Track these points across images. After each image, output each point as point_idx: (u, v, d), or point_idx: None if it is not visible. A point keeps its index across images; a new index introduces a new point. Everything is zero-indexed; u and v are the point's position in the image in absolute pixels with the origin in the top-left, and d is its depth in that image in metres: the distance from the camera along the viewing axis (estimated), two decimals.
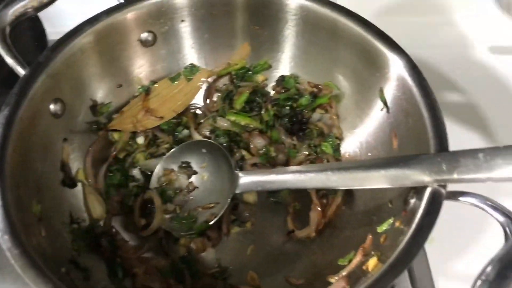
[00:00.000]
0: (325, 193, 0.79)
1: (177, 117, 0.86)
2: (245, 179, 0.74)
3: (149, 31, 0.82)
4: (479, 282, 0.49)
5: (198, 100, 0.90)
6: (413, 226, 0.56)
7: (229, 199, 0.75)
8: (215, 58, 0.88)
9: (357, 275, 0.62)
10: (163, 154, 0.82)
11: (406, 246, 0.55)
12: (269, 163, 0.82)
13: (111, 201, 0.78)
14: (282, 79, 0.88)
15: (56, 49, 0.71)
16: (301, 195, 0.79)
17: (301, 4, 0.78)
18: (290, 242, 0.77)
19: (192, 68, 0.88)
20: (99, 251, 0.73)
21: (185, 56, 0.88)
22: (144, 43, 0.83)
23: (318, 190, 0.78)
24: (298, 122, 0.85)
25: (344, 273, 0.64)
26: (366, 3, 0.91)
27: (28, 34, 0.97)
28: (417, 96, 0.66)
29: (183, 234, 0.76)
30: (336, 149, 0.83)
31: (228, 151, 0.80)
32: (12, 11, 0.70)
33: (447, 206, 0.57)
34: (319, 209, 0.77)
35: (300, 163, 0.83)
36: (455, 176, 0.55)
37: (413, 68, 0.68)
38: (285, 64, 0.88)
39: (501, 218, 0.53)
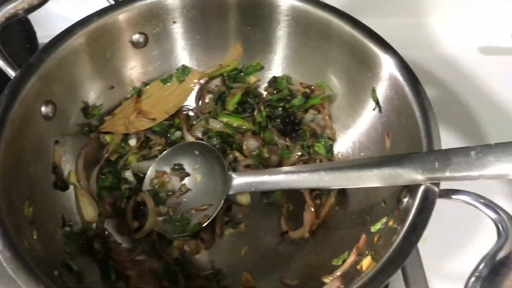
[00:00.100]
0: (319, 194, 0.79)
1: (169, 118, 0.86)
2: (238, 180, 0.74)
3: (140, 33, 0.82)
4: (472, 279, 0.49)
5: (191, 101, 0.89)
6: (407, 224, 0.56)
7: (222, 201, 0.75)
8: (207, 59, 0.88)
9: (351, 274, 0.62)
10: (156, 156, 0.82)
11: (400, 244, 0.55)
12: (262, 164, 0.82)
13: (103, 204, 0.78)
14: (274, 80, 0.88)
15: (47, 51, 0.71)
16: (294, 196, 0.79)
17: (293, 5, 0.78)
18: (284, 243, 0.77)
19: (184, 70, 0.88)
20: (92, 254, 0.72)
21: (177, 57, 0.87)
22: (136, 45, 0.82)
23: (311, 191, 0.78)
24: (291, 123, 0.85)
25: (338, 273, 0.64)
26: (356, 4, 0.92)
27: (18, 36, 0.97)
28: (409, 95, 0.66)
29: (176, 236, 0.76)
30: (329, 149, 0.83)
31: (221, 153, 0.80)
32: (2, 13, 0.70)
33: (439, 206, 0.57)
34: (312, 209, 0.77)
35: (293, 164, 0.83)
36: (447, 174, 0.55)
37: (405, 67, 0.69)
38: (277, 65, 0.88)
39: (494, 215, 0.54)
